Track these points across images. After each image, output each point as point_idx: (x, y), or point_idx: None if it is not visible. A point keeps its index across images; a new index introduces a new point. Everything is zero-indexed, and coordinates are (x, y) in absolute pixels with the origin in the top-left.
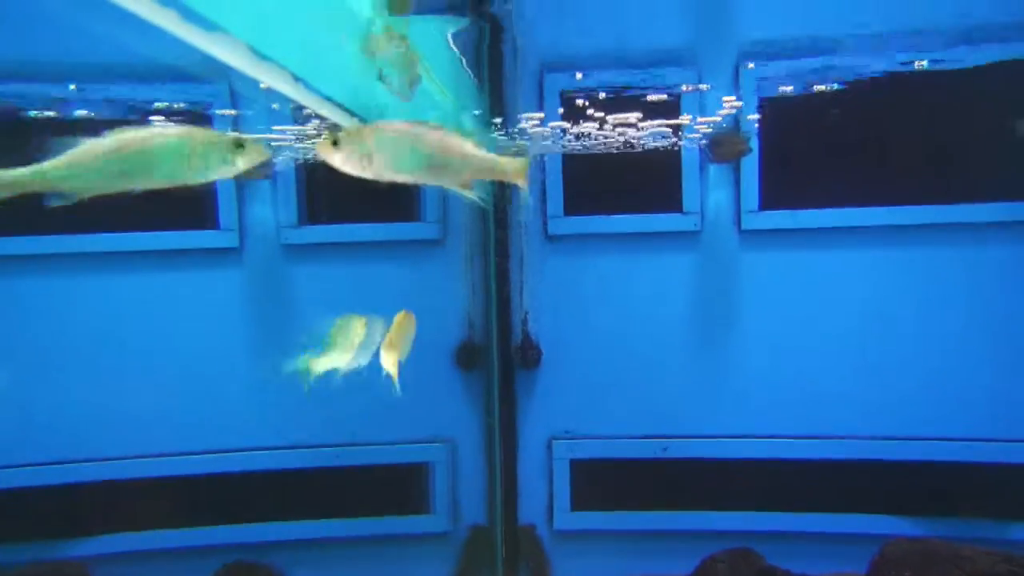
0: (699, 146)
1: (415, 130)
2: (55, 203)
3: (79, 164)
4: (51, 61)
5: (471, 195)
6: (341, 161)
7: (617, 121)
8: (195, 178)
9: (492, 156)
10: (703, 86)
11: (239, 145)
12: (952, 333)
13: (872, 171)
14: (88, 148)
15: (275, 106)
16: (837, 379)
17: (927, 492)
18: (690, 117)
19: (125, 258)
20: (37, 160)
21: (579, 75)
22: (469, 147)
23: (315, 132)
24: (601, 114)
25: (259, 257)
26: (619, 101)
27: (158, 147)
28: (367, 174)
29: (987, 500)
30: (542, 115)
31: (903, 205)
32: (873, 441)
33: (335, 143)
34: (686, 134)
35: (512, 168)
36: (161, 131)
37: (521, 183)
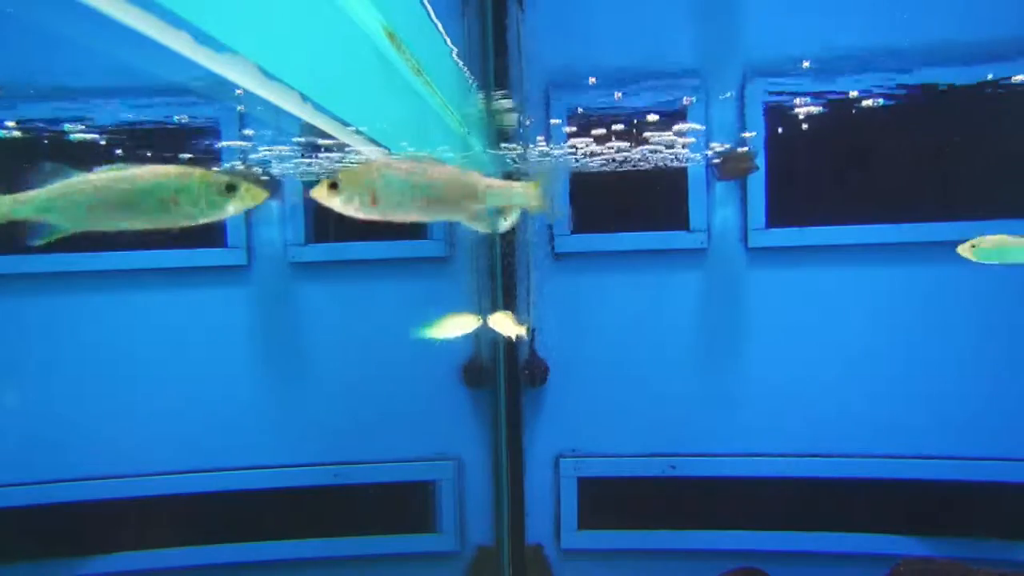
0: (705, 164)
1: (420, 167)
2: (36, 241)
3: (65, 198)
4: (62, 81)
5: (484, 227)
6: (342, 205)
7: (623, 139)
8: (182, 221)
9: (504, 184)
10: (701, 126)
11: (231, 188)
12: (961, 351)
13: (879, 188)
14: (76, 183)
15: (250, 108)
16: (846, 397)
17: (937, 512)
18: (696, 135)
19: (134, 276)
20: (26, 187)
21: (586, 93)
22: (477, 178)
23: (323, 148)
24: (607, 132)
25: (267, 275)
26: (626, 119)
27: (144, 187)
28: (372, 216)
29: (998, 520)
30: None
31: (911, 223)
32: (882, 460)
33: (333, 186)
34: (692, 152)
35: (527, 194)
36: (151, 170)
37: (538, 207)
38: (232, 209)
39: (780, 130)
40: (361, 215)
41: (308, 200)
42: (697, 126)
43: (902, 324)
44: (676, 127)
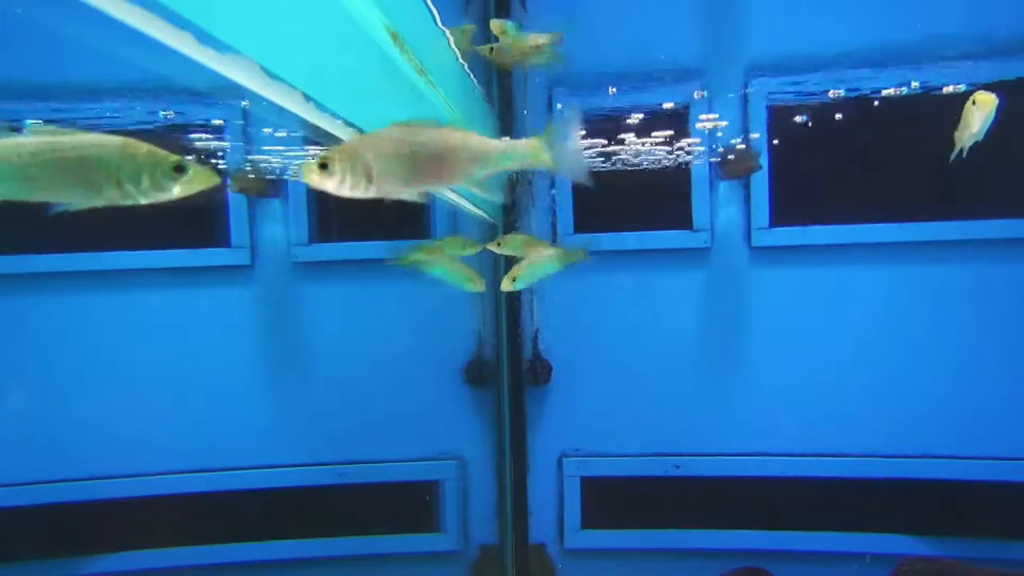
0: (709, 163)
1: (415, 132)
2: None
3: None
4: (63, 81)
5: (487, 194)
6: (336, 186)
7: (626, 138)
8: (121, 199)
9: (506, 143)
10: (714, 115)
11: (179, 168)
12: (964, 350)
13: (883, 187)
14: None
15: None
16: (850, 396)
17: (941, 511)
18: (699, 134)
19: (137, 276)
20: None
21: (588, 92)
22: (476, 139)
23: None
24: (610, 131)
25: (270, 275)
26: (628, 119)
27: (79, 157)
28: (369, 194)
29: (1002, 519)
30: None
31: (914, 221)
32: (886, 459)
33: (323, 166)
34: (695, 151)
35: (529, 150)
36: (92, 138)
37: (545, 162)
38: (178, 192)
39: (784, 129)
40: (359, 195)
41: (311, 200)
42: (711, 115)
43: (906, 323)
44: (679, 126)
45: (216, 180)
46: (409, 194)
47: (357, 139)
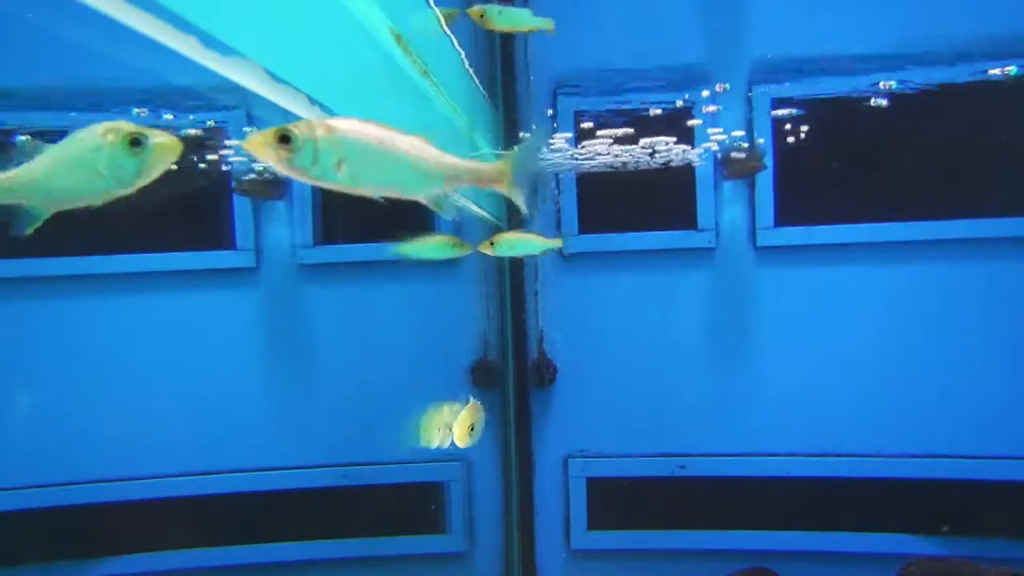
0: (713, 163)
1: (385, 133)
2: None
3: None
4: (63, 86)
5: (442, 210)
6: (290, 164)
7: (631, 139)
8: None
9: (468, 162)
10: (715, 107)
11: (135, 142)
12: (970, 349)
13: (887, 186)
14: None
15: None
16: (855, 396)
17: (949, 511)
18: (704, 135)
19: (143, 279)
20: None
21: (592, 93)
22: (440, 154)
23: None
24: (615, 133)
25: (275, 277)
26: (633, 120)
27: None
28: (327, 185)
29: (1008, 519)
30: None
31: (919, 220)
32: (892, 459)
33: (285, 139)
34: (700, 151)
35: (492, 172)
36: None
37: (503, 188)
38: (142, 172)
39: (788, 128)
40: (313, 180)
41: (316, 202)
42: (713, 107)
43: (912, 322)
44: (684, 127)
45: (179, 148)
46: (366, 192)
47: (325, 120)
